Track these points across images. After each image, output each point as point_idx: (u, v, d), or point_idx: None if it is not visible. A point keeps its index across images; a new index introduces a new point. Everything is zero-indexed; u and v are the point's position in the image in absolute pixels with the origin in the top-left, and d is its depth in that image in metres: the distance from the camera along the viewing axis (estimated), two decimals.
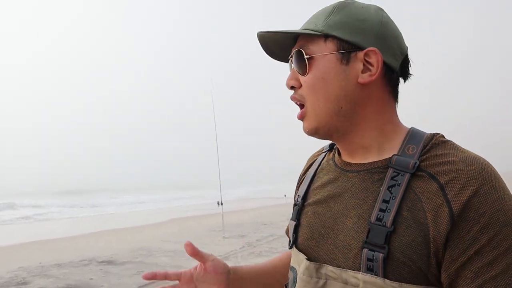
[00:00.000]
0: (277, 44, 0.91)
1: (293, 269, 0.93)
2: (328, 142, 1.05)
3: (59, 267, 6.83)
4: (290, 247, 0.95)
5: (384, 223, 0.75)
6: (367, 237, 0.76)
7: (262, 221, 12.34)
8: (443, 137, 0.83)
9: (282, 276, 1.11)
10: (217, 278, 1.01)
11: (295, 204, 0.98)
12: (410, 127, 0.87)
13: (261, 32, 0.89)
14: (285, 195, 12.87)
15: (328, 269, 0.82)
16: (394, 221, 0.74)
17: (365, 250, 0.76)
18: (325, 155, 1.01)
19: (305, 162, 1.10)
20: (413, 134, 0.84)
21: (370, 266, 0.75)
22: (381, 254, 0.73)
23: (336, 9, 0.85)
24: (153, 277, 0.98)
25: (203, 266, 1.01)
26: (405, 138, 0.84)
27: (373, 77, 0.82)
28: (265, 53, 0.94)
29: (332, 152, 0.98)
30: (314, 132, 0.87)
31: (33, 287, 5.74)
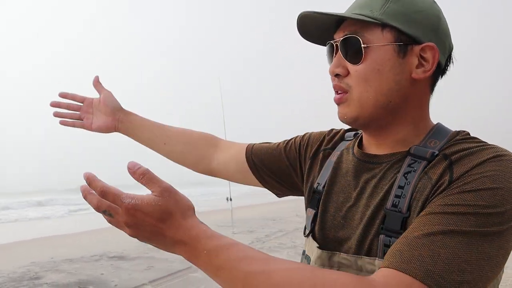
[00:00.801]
0: (316, 26, 0.87)
1: (307, 257, 0.92)
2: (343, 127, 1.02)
3: (70, 262, 6.90)
4: (307, 236, 0.94)
5: (399, 209, 0.75)
6: (383, 223, 0.77)
7: (271, 216, 12.35)
8: (469, 134, 0.82)
9: (169, 140, 1.25)
10: (105, 108, 1.24)
11: (314, 192, 0.96)
12: (436, 122, 0.87)
13: (307, 12, 0.83)
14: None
15: (341, 257, 0.82)
16: (409, 206, 0.75)
17: (382, 236, 0.76)
18: (347, 144, 0.98)
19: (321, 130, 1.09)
20: (438, 130, 0.84)
21: (387, 251, 0.73)
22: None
23: None
24: (64, 96, 1.26)
25: (100, 98, 1.25)
26: (429, 132, 0.83)
27: (427, 74, 0.81)
28: (299, 36, 0.90)
29: (355, 141, 0.96)
30: (352, 121, 0.84)
31: (46, 282, 5.80)
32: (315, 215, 0.93)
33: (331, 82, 0.87)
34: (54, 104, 1.26)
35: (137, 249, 7.81)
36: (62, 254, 7.45)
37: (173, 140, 1.24)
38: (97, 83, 1.26)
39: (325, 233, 0.89)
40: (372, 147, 0.89)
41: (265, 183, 1.14)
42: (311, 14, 0.83)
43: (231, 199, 10.11)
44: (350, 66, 0.81)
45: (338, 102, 0.84)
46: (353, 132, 1.01)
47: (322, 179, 0.96)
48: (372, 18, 0.79)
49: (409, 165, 0.79)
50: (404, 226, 0.74)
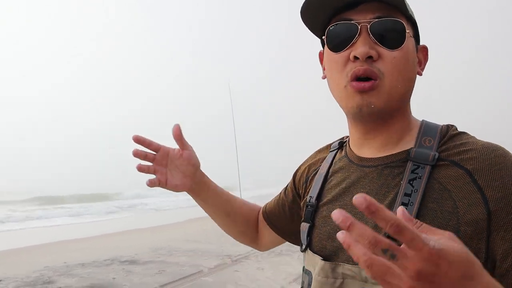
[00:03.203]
0: (323, 8, 0.80)
1: (307, 272, 0.89)
2: (319, 145, 1.05)
3: (83, 266, 6.95)
4: (304, 250, 0.92)
5: None
6: None
7: None
8: (457, 129, 0.82)
9: (233, 212, 1.15)
10: (187, 167, 1.05)
11: (307, 206, 0.93)
12: (421, 119, 0.87)
13: None
14: None
15: (345, 267, 0.79)
16: (418, 214, 0.72)
17: None
18: (335, 154, 0.97)
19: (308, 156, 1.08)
20: (427, 126, 0.83)
21: None
22: None
23: None
24: (138, 141, 1.04)
25: (181, 152, 1.05)
26: (419, 130, 0.83)
27: (422, 72, 0.85)
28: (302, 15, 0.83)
29: (344, 149, 0.94)
30: (377, 111, 0.78)
31: (59, 286, 5.84)
32: (310, 228, 0.90)
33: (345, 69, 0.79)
34: (135, 154, 1.04)
35: (149, 253, 7.85)
36: (75, 258, 7.51)
37: (236, 215, 1.17)
38: (179, 135, 1.03)
39: (323, 244, 0.86)
40: (364, 147, 0.86)
41: (286, 237, 1.13)
42: None
43: None
44: (384, 51, 0.76)
45: (368, 89, 0.76)
46: (337, 141, 0.99)
47: (314, 191, 0.94)
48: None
49: (412, 171, 0.76)
50: None
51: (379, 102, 0.77)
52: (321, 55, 0.92)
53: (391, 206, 0.76)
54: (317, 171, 0.98)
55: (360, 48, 0.76)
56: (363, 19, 0.76)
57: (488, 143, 0.76)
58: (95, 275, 6.40)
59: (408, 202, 0.73)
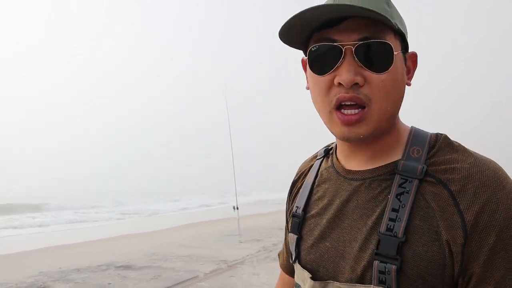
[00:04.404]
0: (302, 25, 0.74)
1: (298, 286, 0.88)
2: (318, 147, 1.00)
3: (78, 272, 6.92)
4: (293, 262, 0.90)
5: (395, 233, 0.71)
6: (377, 248, 0.72)
7: (278, 225, 12.30)
8: (448, 137, 0.79)
9: None
10: None
11: (294, 216, 0.91)
12: (410, 126, 0.84)
13: (338, 3, 0.67)
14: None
15: (335, 285, 0.77)
16: (406, 231, 0.71)
17: (376, 262, 0.72)
18: (321, 162, 0.94)
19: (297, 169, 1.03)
20: (416, 135, 0.80)
21: (382, 278, 0.71)
22: (393, 266, 0.70)
23: (388, 0, 0.75)
24: None
25: None
26: (408, 139, 0.80)
27: (411, 80, 0.80)
28: (281, 38, 0.77)
29: (330, 159, 0.91)
30: (367, 137, 0.75)
31: None
32: (298, 240, 0.88)
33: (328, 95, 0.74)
34: None
35: (144, 258, 7.82)
36: (70, 263, 7.48)
37: None
38: None
39: (310, 257, 0.85)
40: (351, 159, 0.84)
41: None
42: (341, 5, 0.67)
43: (237, 208, 10.09)
44: (371, 75, 0.71)
45: (357, 122, 0.73)
46: (324, 149, 0.96)
47: (300, 202, 0.91)
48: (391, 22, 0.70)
49: (400, 185, 0.74)
50: (400, 251, 0.70)
51: (368, 131, 0.74)
52: (304, 62, 0.84)
53: (378, 221, 0.74)
54: (304, 181, 0.95)
55: (344, 74, 0.71)
56: (348, 40, 0.71)
57: (478, 161, 0.73)
58: (91, 280, 6.38)
59: (396, 218, 0.72)
